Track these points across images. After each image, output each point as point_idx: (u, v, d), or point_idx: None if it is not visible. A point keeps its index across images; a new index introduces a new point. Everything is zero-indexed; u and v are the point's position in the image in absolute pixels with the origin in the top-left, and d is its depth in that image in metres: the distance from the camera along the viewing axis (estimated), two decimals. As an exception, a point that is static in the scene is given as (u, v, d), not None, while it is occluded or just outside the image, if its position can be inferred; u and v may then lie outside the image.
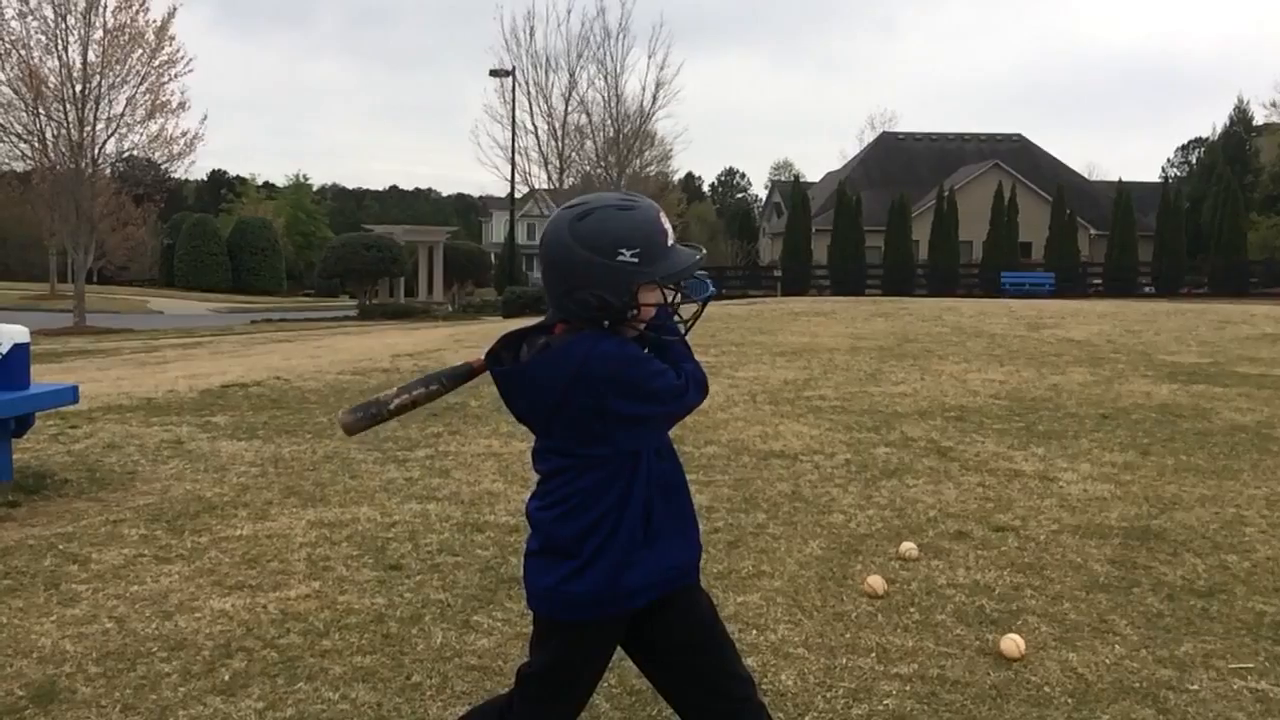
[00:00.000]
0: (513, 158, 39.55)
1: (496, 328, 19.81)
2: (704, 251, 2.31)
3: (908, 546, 4.60)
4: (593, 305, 2.17)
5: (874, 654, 3.48)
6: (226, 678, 3.23)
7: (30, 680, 3.19)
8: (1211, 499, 5.59)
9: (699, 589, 2.37)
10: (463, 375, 2.38)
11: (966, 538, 4.84)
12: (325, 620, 3.72)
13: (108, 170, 30.92)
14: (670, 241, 2.21)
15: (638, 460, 2.21)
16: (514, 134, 39.81)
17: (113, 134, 29.38)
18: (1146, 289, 41.85)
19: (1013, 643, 3.47)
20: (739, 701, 2.36)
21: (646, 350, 2.25)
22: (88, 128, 28.69)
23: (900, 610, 3.90)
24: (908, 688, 3.21)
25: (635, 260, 2.15)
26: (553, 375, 2.18)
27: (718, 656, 2.34)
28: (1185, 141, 77.92)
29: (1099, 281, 42.80)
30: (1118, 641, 3.61)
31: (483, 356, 2.33)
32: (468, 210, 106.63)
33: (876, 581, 4.10)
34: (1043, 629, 3.72)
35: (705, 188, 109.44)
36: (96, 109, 28.77)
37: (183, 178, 41.44)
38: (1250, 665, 3.42)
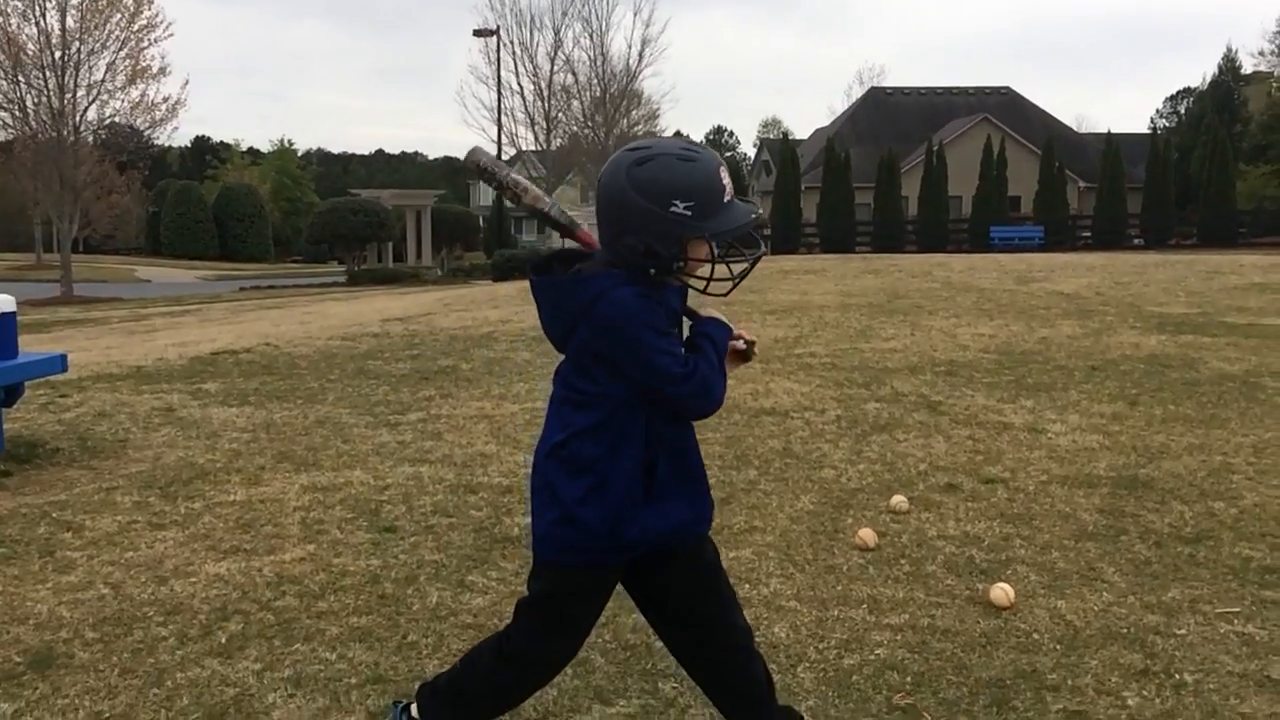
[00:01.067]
0: (499, 119, 39.29)
1: (486, 292, 19.77)
2: (760, 210, 2.28)
3: (898, 500, 4.63)
4: (639, 252, 2.15)
5: (865, 605, 3.52)
6: (223, 640, 3.25)
7: (28, 646, 3.21)
8: (1199, 447, 5.64)
9: (707, 539, 2.39)
10: (566, 227, 2.35)
11: (956, 490, 4.87)
12: (320, 582, 3.74)
13: (90, 138, 30.67)
14: (727, 197, 2.19)
15: (635, 418, 2.21)
16: (499, 95, 39.52)
17: (94, 101, 29.16)
18: (1135, 241, 41.88)
19: (1002, 591, 3.51)
20: (736, 650, 2.39)
21: (683, 322, 2.25)
22: (68, 95, 28.43)
23: (891, 562, 3.94)
24: (898, 637, 3.25)
25: (688, 213, 2.14)
26: (570, 301, 2.20)
27: (718, 606, 2.37)
28: (1174, 92, 77.66)
29: (1088, 234, 42.82)
30: (1105, 589, 3.66)
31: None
32: (455, 173, 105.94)
33: (867, 535, 4.13)
34: (1031, 578, 3.76)
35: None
36: (76, 75, 28.52)
37: (166, 144, 41.04)
38: (1236, 609, 3.46)
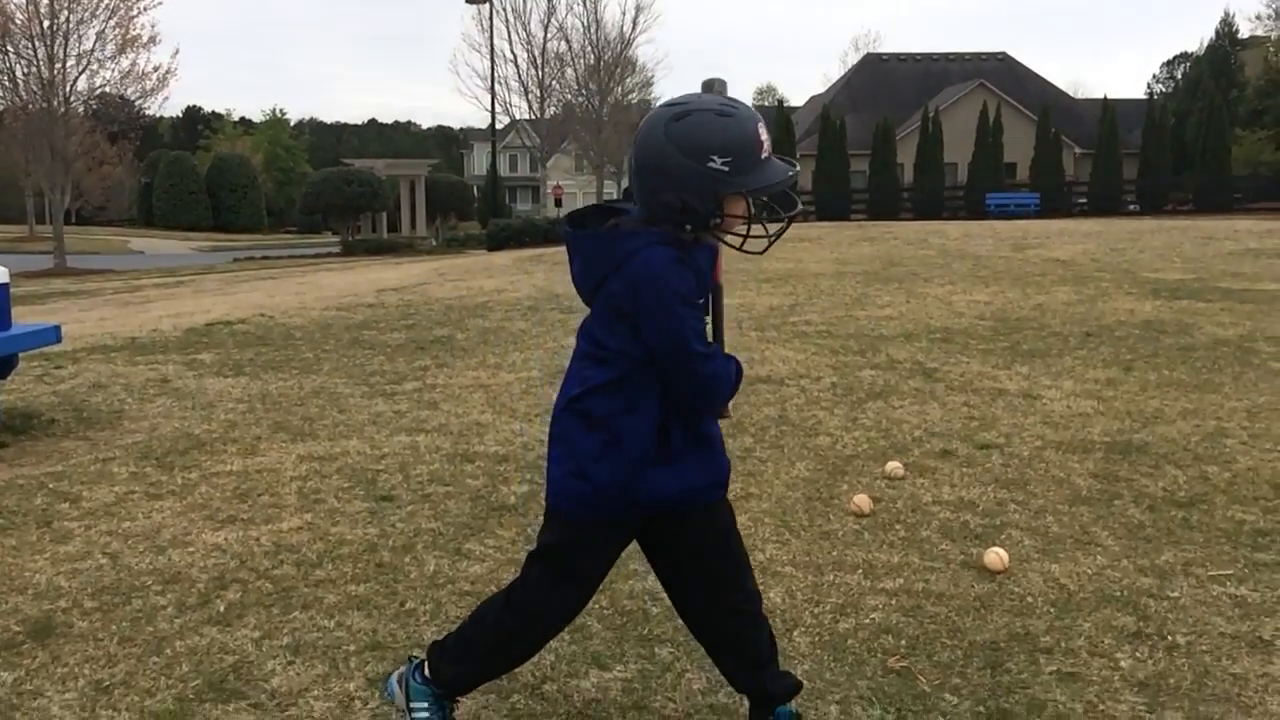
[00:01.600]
0: (492, 87, 39.07)
1: (481, 262, 19.72)
2: (798, 168, 2.25)
3: (893, 466, 4.65)
4: (676, 208, 2.15)
5: (860, 570, 3.54)
6: (222, 609, 3.27)
7: (27, 616, 3.22)
8: (1193, 412, 5.65)
9: (724, 503, 2.39)
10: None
11: (951, 456, 4.89)
12: (318, 551, 3.76)
13: (80, 108, 30.42)
14: (765, 154, 2.18)
15: (652, 377, 2.20)
16: (493, 63, 39.28)
17: (83, 71, 28.89)
18: (1131, 207, 41.82)
19: (996, 556, 3.53)
20: (743, 614, 2.41)
21: (708, 295, 2.24)
22: (58, 65, 28.16)
23: (886, 528, 3.96)
24: (893, 601, 3.27)
25: (725, 169, 2.13)
26: (605, 255, 2.19)
27: (729, 569, 2.38)
28: (1171, 57, 77.33)
29: (1084, 201, 42.74)
30: (1099, 552, 3.68)
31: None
32: (448, 143, 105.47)
33: (863, 500, 4.15)
34: (1026, 542, 3.78)
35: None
36: (66, 45, 28.22)
37: (157, 115, 40.67)
38: (1229, 572, 3.49)
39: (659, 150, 2.15)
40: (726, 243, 2.25)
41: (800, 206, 2.33)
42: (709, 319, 2.28)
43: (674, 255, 2.14)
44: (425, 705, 2.43)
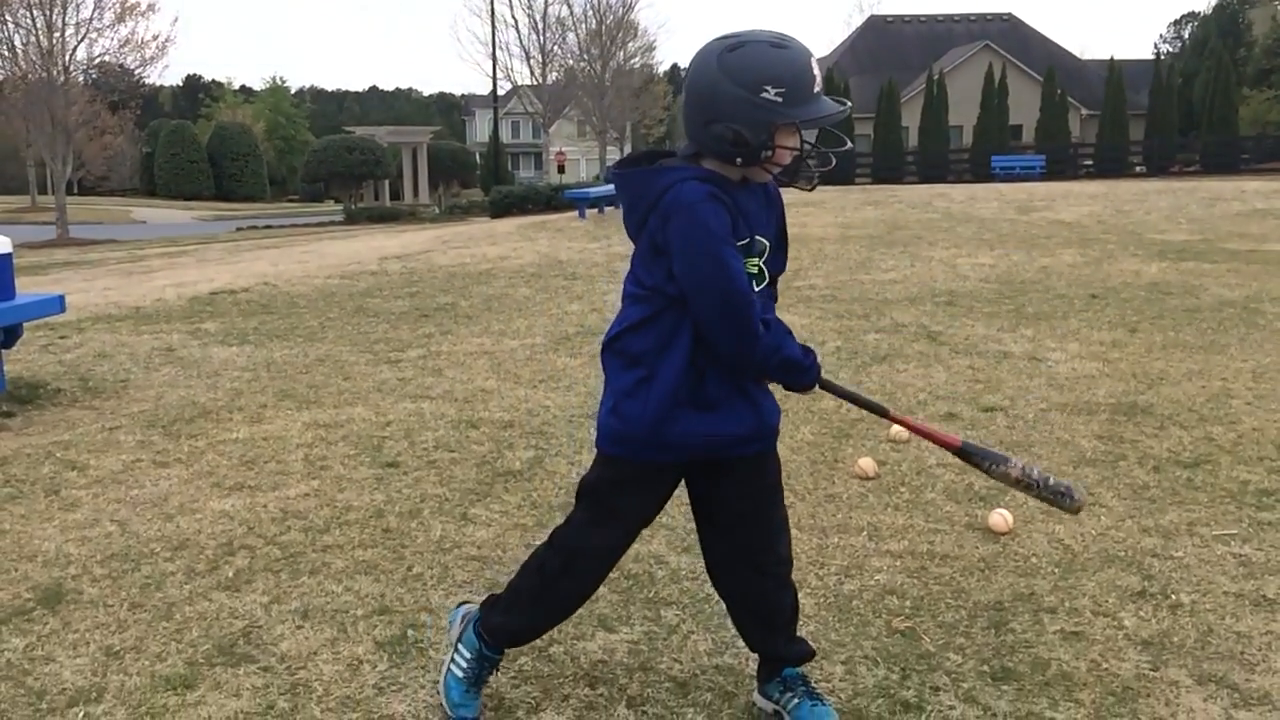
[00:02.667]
0: (493, 53, 38.82)
1: (484, 229, 19.67)
2: (849, 105, 2.21)
3: (898, 429, 4.64)
4: (728, 140, 2.12)
5: (865, 533, 3.55)
6: (230, 574, 3.29)
7: (37, 583, 3.24)
8: (1198, 373, 5.64)
9: (771, 460, 2.38)
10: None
11: (956, 419, 4.89)
12: (325, 517, 3.78)
13: (80, 78, 30.25)
14: (817, 88, 2.15)
15: (686, 316, 2.17)
16: (494, 28, 38.99)
17: (83, 39, 28.72)
18: (1138, 168, 41.54)
19: (1001, 517, 3.54)
20: (770, 577, 2.40)
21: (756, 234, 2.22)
22: (56, 34, 27.99)
23: (891, 490, 3.97)
24: (898, 563, 3.28)
25: (779, 100, 2.10)
26: (643, 193, 2.18)
27: (765, 530, 2.38)
28: (1178, 16, 76.57)
29: (1090, 163, 42.46)
30: (1104, 513, 3.69)
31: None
32: (450, 109, 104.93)
33: (867, 464, 4.16)
34: (1030, 503, 3.78)
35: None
36: (64, 13, 28.03)
37: (157, 83, 40.60)
38: (1234, 531, 3.49)
39: (711, 81, 2.12)
40: (776, 177, 2.22)
41: (850, 145, 2.29)
42: (759, 262, 2.24)
43: (708, 190, 2.12)
44: (467, 656, 2.44)
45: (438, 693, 2.50)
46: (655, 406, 2.21)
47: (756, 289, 2.21)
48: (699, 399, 2.22)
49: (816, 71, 2.15)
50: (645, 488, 2.34)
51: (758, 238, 2.23)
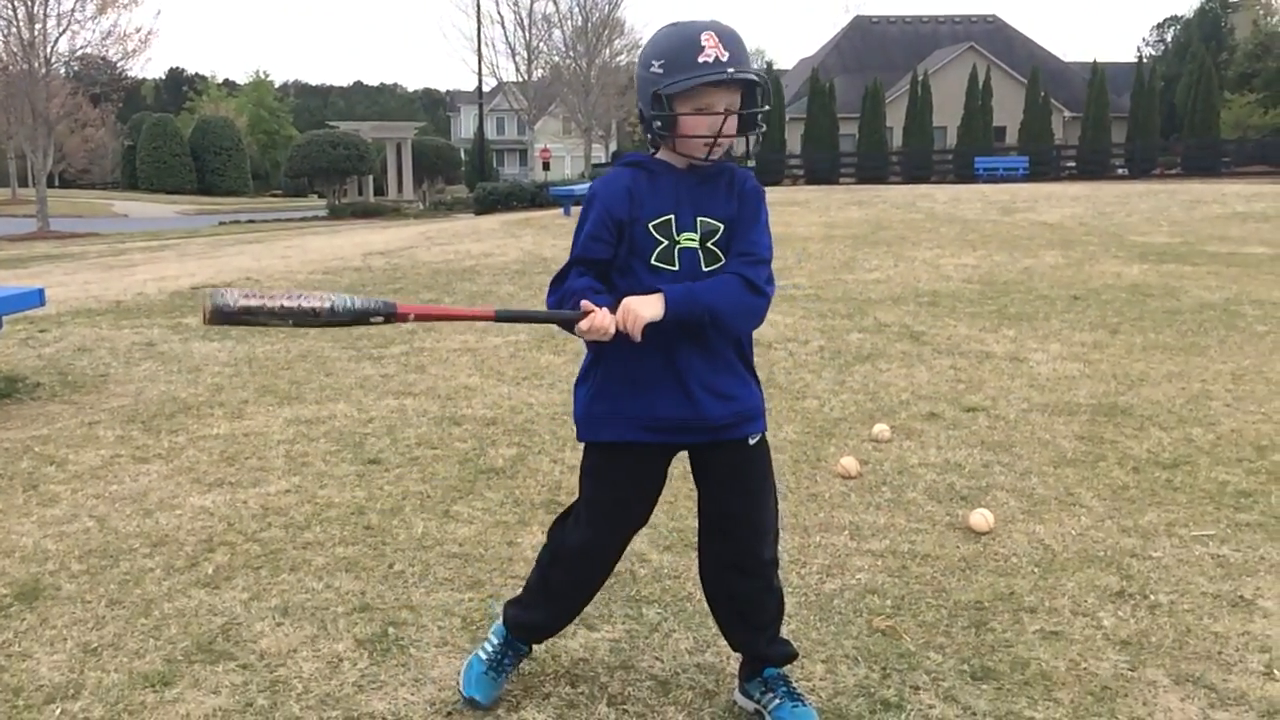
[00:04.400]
0: (479, 49, 38.70)
1: (468, 225, 19.62)
2: (730, 72, 2.17)
3: (880, 428, 4.66)
4: (640, 120, 2.28)
5: (847, 532, 3.55)
6: (210, 571, 3.27)
7: (14, 579, 3.22)
8: (1178, 375, 5.68)
9: (756, 457, 2.36)
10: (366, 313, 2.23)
11: (938, 418, 4.91)
12: (306, 514, 3.76)
13: (62, 70, 30.04)
14: (705, 59, 2.15)
15: (620, 299, 2.22)
16: (479, 24, 38.88)
17: (64, 31, 28.50)
18: (1120, 171, 41.75)
19: (981, 517, 3.55)
20: (754, 578, 2.40)
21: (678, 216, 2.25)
22: (38, 25, 27.77)
23: (873, 489, 3.98)
24: (879, 562, 3.29)
25: (660, 71, 2.20)
26: None
27: (748, 531, 2.37)
28: (1161, 19, 76.98)
29: (1072, 164, 42.62)
30: (1083, 513, 3.70)
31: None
32: (435, 105, 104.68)
33: (850, 463, 4.17)
34: (1011, 503, 3.81)
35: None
36: (46, 5, 27.80)
37: (140, 76, 40.39)
38: (1212, 532, 3.52)
39: (638, 70, 2.28)
40: (679, 150, 2.25)
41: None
42: (695, 238, 2.25)
43: (616, 171, 2.29)
44: (495, 641, 2.53)
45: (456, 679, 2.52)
46: (594, 388, 2.33)
47: (708, 268, 2.26)
48: (633, 380, 2.28)
49: (709, 44, 2.17)
50: (611, 473, 2.37)
51: (701, 219, 2.27)
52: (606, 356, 2.28)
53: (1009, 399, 5.24)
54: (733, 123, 2.23)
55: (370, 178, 38.39)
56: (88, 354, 6.66)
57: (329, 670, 2.64)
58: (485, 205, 28.32)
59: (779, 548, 2.47)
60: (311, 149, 35.93)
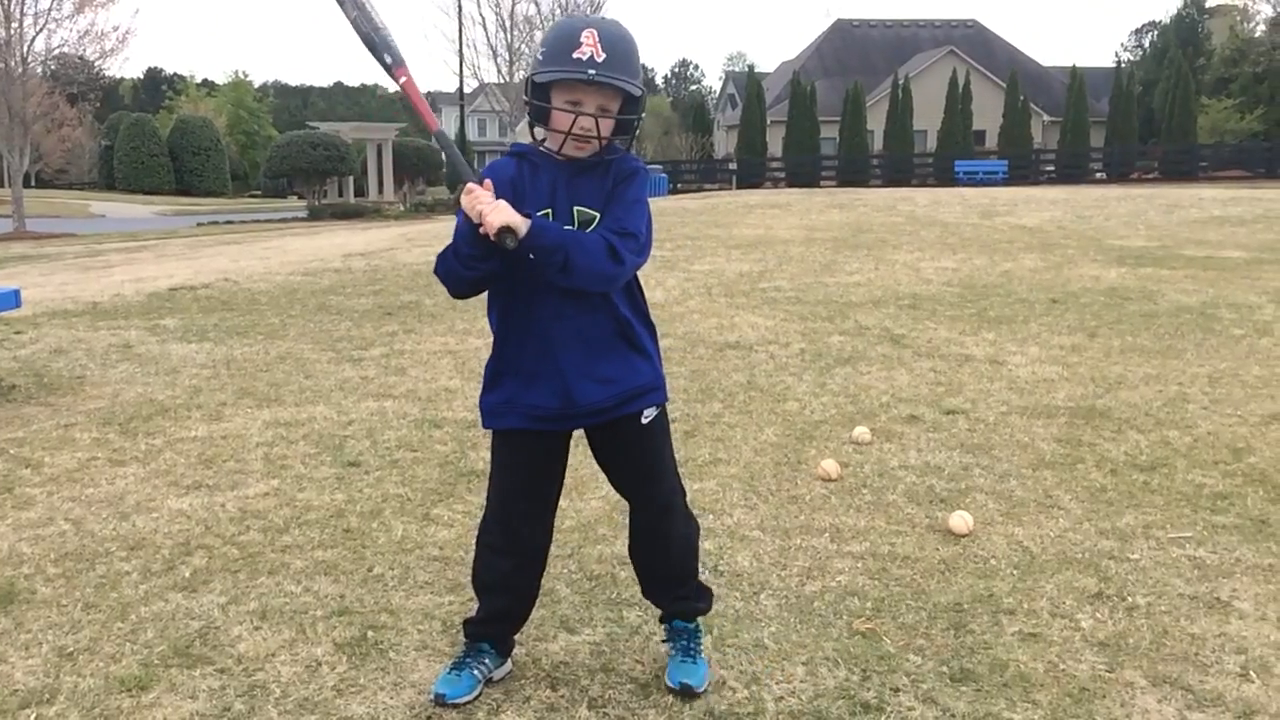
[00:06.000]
0: (460, 50, 38.62)
1: (450, 226, 19.56)
2: (591, 73, 2.23)
3: (860, 431, 4.68)
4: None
5: (827, 534, 3.56)
6: (187, 574, 3.24)
7: (-11, 583, 3.18)
8: (1155, 378, 5.72)
9: (647, 433, 2.47)
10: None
11: (918, 421, 4.92)
12: (285, 517, 3.74)
13: (39, 69, 29.75)
14: (576, 54, 2.23)
15: (499, 291, 2.42)
16: (461, 26, 38.79)
17: (41, 30, 28.19)
18: (1098, 175, 42.03)
19: (961, 519, 3.57)
20: (654, 541, 2.57)
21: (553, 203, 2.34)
22: (14, 24, 27.50)
23: (853, 492, 3.98)
24: (859, 564, 3.30)
25: (541, 59, 2.28)
26: None
27: (642, 501, 2.55)
28: (1139, 25, 77.56)
29: (1052, 168, 42.90)
30: (1062, 515, 3.73)
31: None
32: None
33: (830, 465, 4.17)
34: (990, 506, 3.82)
35: (659, 80, 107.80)
36: (22, 3, 27.54)
37: (118, 76, 40.11)
38: (1189, 534, 3.54)
39: None
40: (548, 141, 2.36)
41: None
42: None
43: (504, 162, 2.38)
44: (460, 649, 2.59)
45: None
46: (487, 379, 2.47)
47: None
48: (518, 371, 2.40)
49: (585, 40, 2.24)
50: (509, 457, 2.50)
51: (578, 208, 2.34)
52: (497, 348, 2.43)
53: (988, 402, 5.26)
54: (608, 123, 2.30)
55: (350, 179, 38.18)
56: (64, 356, 6.61)
57: (307, 674, 2.63)
58: (466, 207, 28.12)
59: (687, 497, 2.64)
60: (291, 149, 35.68)
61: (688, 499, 2.64)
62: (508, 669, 2.59)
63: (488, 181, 2.25)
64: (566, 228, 2.32)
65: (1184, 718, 2.43)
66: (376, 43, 2.34)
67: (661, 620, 2.66)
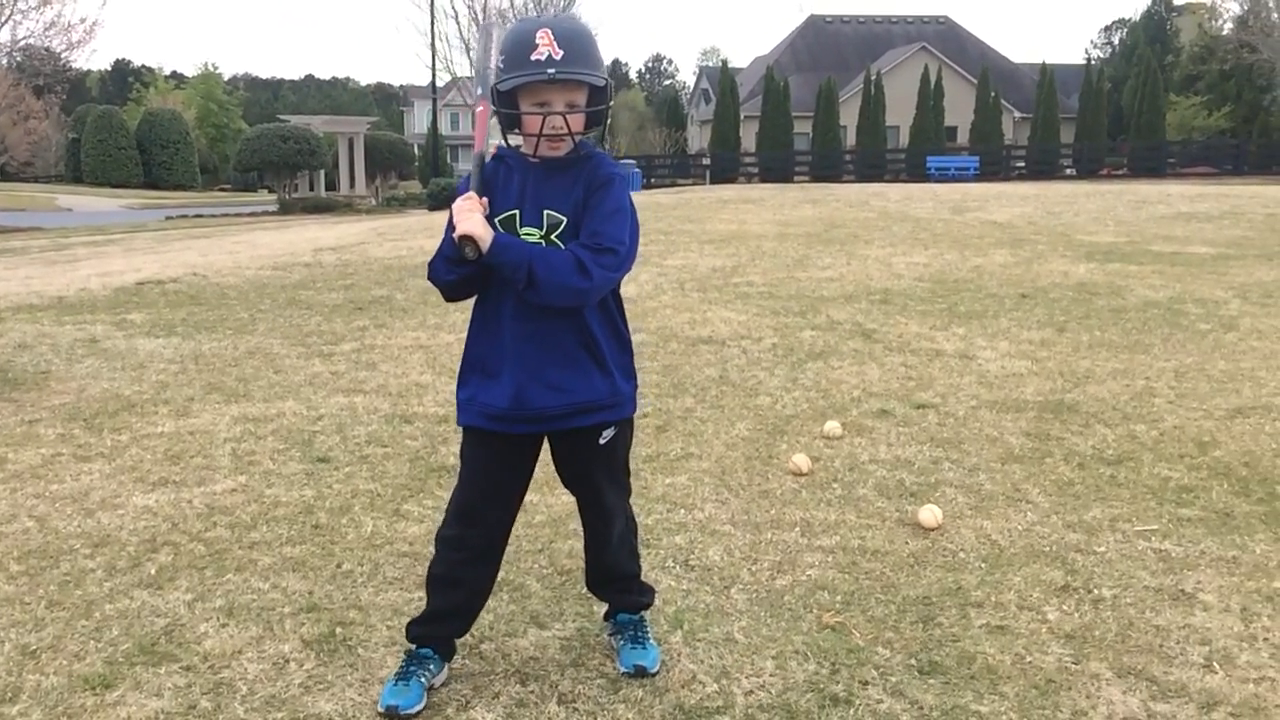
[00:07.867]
0: (433, 43, 38.47)
1: (422, 221, 19.47)
2: (550, 72, 2.24)
3: (832, 425, 4.69)
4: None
5: (798, 528, 3.57)
6: (153, 571, 3.21)
7: (-50, 581, 3.14)
8: (1123, 372, 5.77)
9: (603, 454, 2.50)
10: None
11: (888, 415, 4.95)
12: (253, 513, 3.71)
13: (4, 61, 29.39)
14: (534, 56, 2.24)
15: (480, 293, 2.43)
16: (433, 18, 38.61)
17: (5, 21, 27.86)
18: (1068, 171, 42.36)
19: (930, 513, 3.59)
20: (601, 544, 2.64)
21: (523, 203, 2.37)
22: (-21, 15, 27.13)
23: (824, 486, 4.00)
24: (830, 558, 3.31)
25: (501, 67, 2.29)
26: None
27: (592, 512, 2.62)
28: (1109, 22, 78.20)
29: (1022, 164, 43.20)
30: (1030, 509, 3.75)
31: None
32: (388, 100, 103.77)
33: (801, 460, 4.19)
34: (959, 499, 3.85)
35: (633, 75, 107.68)
36: (-13, -5, 27.18)
37: (84, 68, 39.54)
38: (1154, 527, 3.58)
39: None
40: (525, 146, 2.38)
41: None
42: (540, 234, 2.35)
43: (489, 164, 2.38)
44: (402, 658, 2.55)
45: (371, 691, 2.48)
46: (460, 373, 2.50)
47: None
48: (481, 369, 2.45)
49: (543, 42, 2.25)
50: (472, 455, 2.52)
51: (547, 211, 2.35)
52: (468, 344, 2.47)
53: (958, 396, 5.29)
54: (578, 118, 2.31)
55: (322, 173, 37.93)
56: (28, 351, 6.52)
57: (275, 671, 2.61)
58: (439, 201, 28.12)
59: (634, 504, 2.73)
60: (261, 142, 35.39)
61: (631, 498, 2.71)
62: (446, 674, 2.54)
63: (474, 195, 2.32)
64: (536, 242, 2.33)
65: (1148, 709, 2.46)
66: (485, 78, 2.39)
67: (606, 616, 2.75)
